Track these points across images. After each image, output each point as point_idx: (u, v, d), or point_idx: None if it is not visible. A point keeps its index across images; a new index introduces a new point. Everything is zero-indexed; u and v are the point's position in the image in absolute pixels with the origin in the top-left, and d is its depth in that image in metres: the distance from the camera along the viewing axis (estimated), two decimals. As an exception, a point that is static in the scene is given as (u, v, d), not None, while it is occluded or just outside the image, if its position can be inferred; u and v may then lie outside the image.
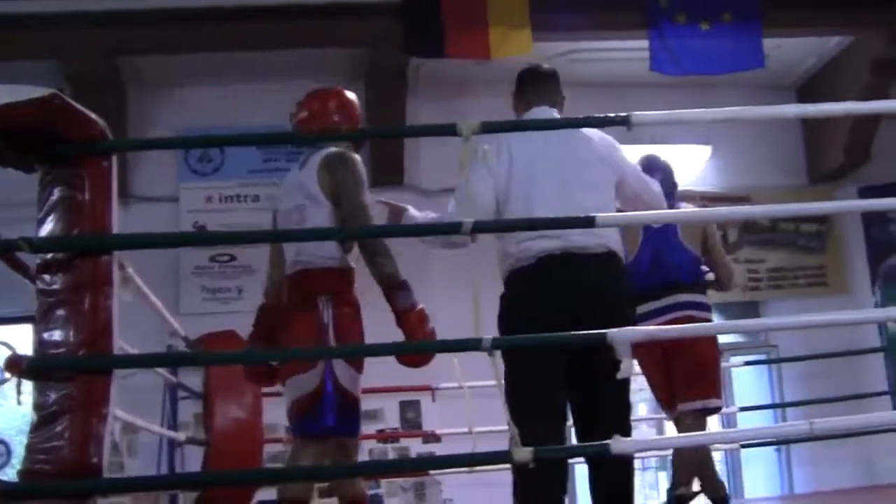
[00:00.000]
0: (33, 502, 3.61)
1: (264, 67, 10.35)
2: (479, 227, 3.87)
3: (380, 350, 4.28)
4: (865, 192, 11.22)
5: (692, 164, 11.52)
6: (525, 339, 4.13)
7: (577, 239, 4.31)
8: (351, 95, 5.25)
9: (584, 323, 3.96)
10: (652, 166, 6.00)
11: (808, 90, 11.70)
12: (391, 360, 8.20)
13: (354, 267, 4.92)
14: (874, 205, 8.40)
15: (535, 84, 4.87)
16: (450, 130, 3.81)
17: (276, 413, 8.95)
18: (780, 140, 11.69)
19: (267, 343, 5.04)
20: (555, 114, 4.75)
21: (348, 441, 4.84)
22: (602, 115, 4.05)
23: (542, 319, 4.16)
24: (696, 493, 6.16)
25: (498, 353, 3.75)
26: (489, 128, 3.88)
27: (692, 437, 4.26)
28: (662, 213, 4.67)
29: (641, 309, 5.89)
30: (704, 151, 11.50)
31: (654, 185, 4.81)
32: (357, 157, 4.97)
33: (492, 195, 4.48)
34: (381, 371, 9.21)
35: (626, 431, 4.30)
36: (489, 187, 4.48)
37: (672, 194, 6.06)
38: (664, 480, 11.91)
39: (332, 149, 4.90)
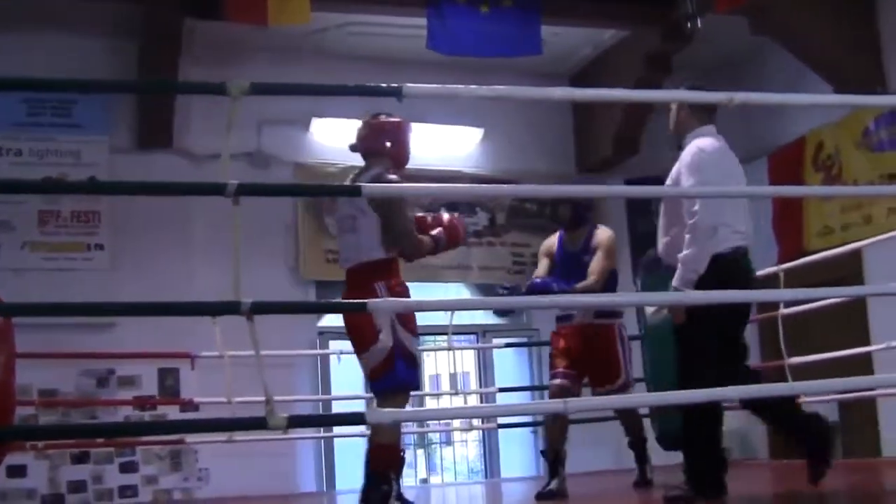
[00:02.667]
0: None
1: (29, 14, 9.90)
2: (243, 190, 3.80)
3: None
4: (632, 184, 11.50)
5: (463, 146, 11.67)
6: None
7: None
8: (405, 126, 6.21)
9: None
10: None
11: (583, 80, 11.88)
12: (151, 326, 8.09)
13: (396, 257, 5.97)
14: (639, 191, 8.65)
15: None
16: (219, 90, 3.75)
17: (28, 375, 8.79)
18: (552, 127, 11.91)
19: None
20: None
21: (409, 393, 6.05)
22: (373, 85, 4.04)
23: None
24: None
25: (255, 318, 3.70)
26: (258, 89, 3.84)
27: (445, 411, 4.27)
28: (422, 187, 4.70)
29: None
30: (476, 133, 11.66)
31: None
32: (394, 176, 5.88)
33: None
34: (140, 338, 9.12)
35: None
36: None
37: None
38: (423, 457, 12.05)
39: (376, 170, 5.91)
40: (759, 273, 9.03)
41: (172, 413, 9.79)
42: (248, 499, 7.34)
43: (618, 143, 11.53)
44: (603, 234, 7.34)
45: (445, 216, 6.28)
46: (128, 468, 9.91)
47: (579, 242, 7.30)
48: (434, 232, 6.08)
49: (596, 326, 7.24)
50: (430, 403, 11.24)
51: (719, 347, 5.55)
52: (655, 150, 11.56)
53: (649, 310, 8.88)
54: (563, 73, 11.94)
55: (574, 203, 7.21)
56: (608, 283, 7.20)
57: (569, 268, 7.18)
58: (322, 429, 10.18)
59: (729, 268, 5.59)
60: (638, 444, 7.49)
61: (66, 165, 10.09)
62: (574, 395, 7.00)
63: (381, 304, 3.71)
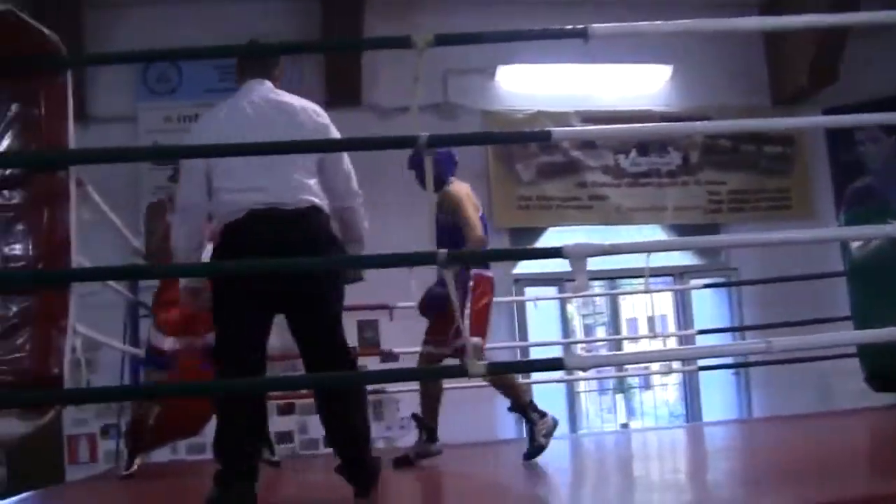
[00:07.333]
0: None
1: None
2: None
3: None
4: (831, 113, 11.04)
5: (651, 84, 11.50)
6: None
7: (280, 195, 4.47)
8: None
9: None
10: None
11: (773, 7, 11.26)
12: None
13: None
14: (835, 121, 8.29)
15: (249, 60, 4.85)
16: (404, 43, 3.79)
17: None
18: (743, 59, 11.58)
19: None
20: (268, 85, 4.74)
21: None
22: (558, 28, 4.03)
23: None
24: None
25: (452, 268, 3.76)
26: (443, 40, 3.86)
27: (643, 354, 4.20)
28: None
29: None
30: (664, 71, 11.45)
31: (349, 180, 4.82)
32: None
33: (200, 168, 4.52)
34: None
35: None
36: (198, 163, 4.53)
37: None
38: (622, 402, 12.00)
39: None
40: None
41: (372, 363, 9.94)
42: (449, 446, 7.41)
43: (814, 72, 11.12)
44: (447, 194, 6.69)
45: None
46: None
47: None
48: None
49: None
50: (629, 347, 11.18)
51: None
52: (855, 76, 11.16)
53: (854, 244, 8.55)
54: (751, 3, 11.52)
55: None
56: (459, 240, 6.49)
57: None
58: (521, 375, 10.23)
59: None
60: (519, 409, 6.85)
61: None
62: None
63: (577, 247, 3.71)
